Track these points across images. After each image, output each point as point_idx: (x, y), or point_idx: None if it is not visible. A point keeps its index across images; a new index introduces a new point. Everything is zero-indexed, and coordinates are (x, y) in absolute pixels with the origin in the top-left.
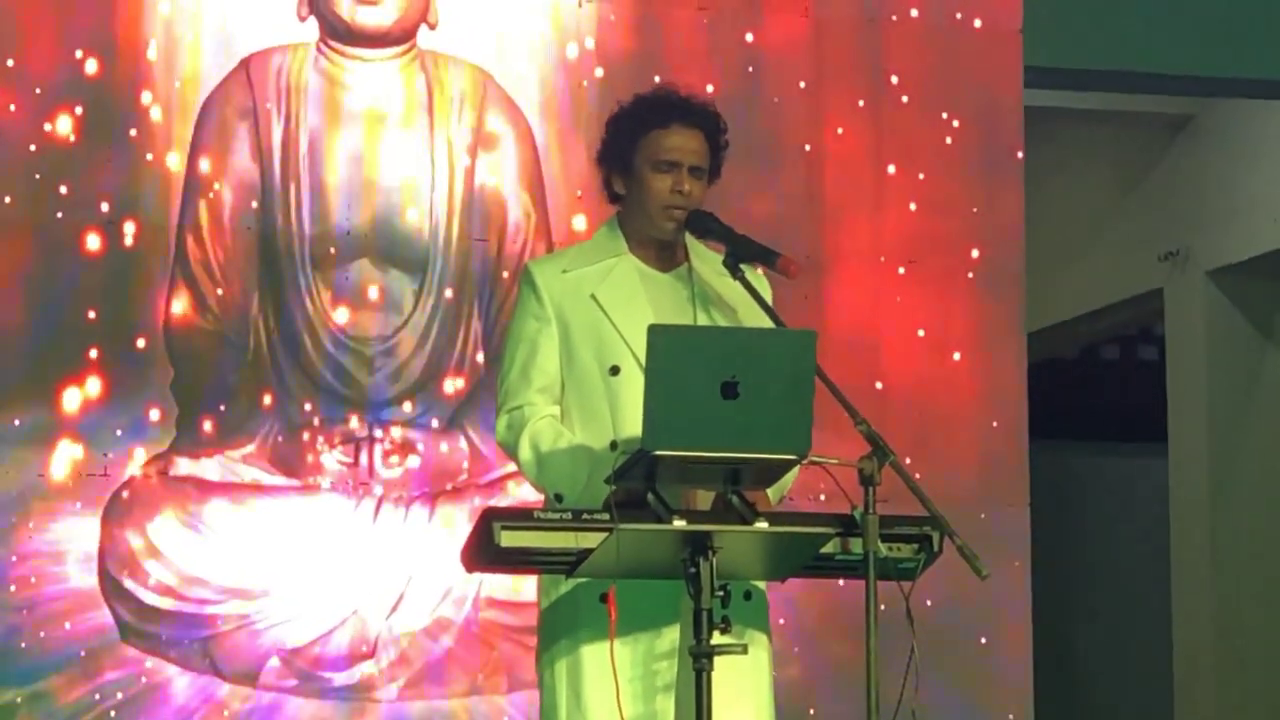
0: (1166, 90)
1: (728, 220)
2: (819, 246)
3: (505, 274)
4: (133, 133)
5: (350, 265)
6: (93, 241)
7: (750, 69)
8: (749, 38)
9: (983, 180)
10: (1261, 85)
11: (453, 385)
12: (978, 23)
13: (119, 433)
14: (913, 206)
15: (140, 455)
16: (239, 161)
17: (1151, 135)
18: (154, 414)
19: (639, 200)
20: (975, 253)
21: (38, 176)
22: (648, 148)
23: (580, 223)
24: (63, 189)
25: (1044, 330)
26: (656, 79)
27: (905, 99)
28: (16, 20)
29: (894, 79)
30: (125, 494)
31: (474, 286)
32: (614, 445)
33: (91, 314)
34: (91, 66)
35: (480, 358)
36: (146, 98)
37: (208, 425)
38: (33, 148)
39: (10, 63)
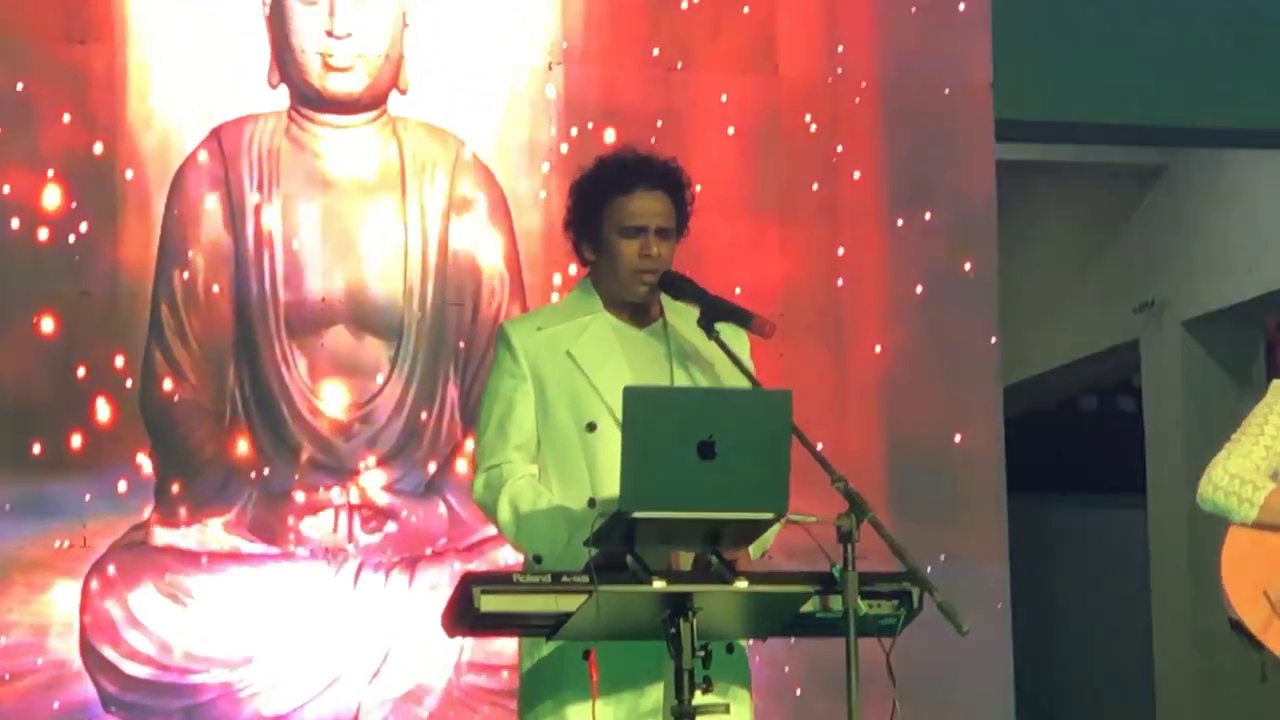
0: (1138, 141)
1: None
2: (785, 307)
3: (481, 338)
4: (106, 203)
5: (325, 332)
6: (69, 312)
7: (722, 129)
8: (722, 98)
9: (956, 235)
10: (1233, 135)
11: (430, 450)
12: (948, 81)
13: (98, 503)
14: (886, 263)
15: (120, 525)
16: (212, 231)
17: (1124, 186)
18: (133, 484)
19: (610, 266)
20: (950, 307)
21: (16, 239)
22: (613, 215)
23: (555, 286)
24: (36, 258)
25: (1021, 383)
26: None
27: (876, 157)
28: None
29: (865, 136)
30: (105, 565)
31: (449, 351)
32: (592, 502)
33: (69, 384)
34: (64, 138)
35: (457, 421)
36: (118, 168)
37: (186, 494)
38: (15, 222)
39: None
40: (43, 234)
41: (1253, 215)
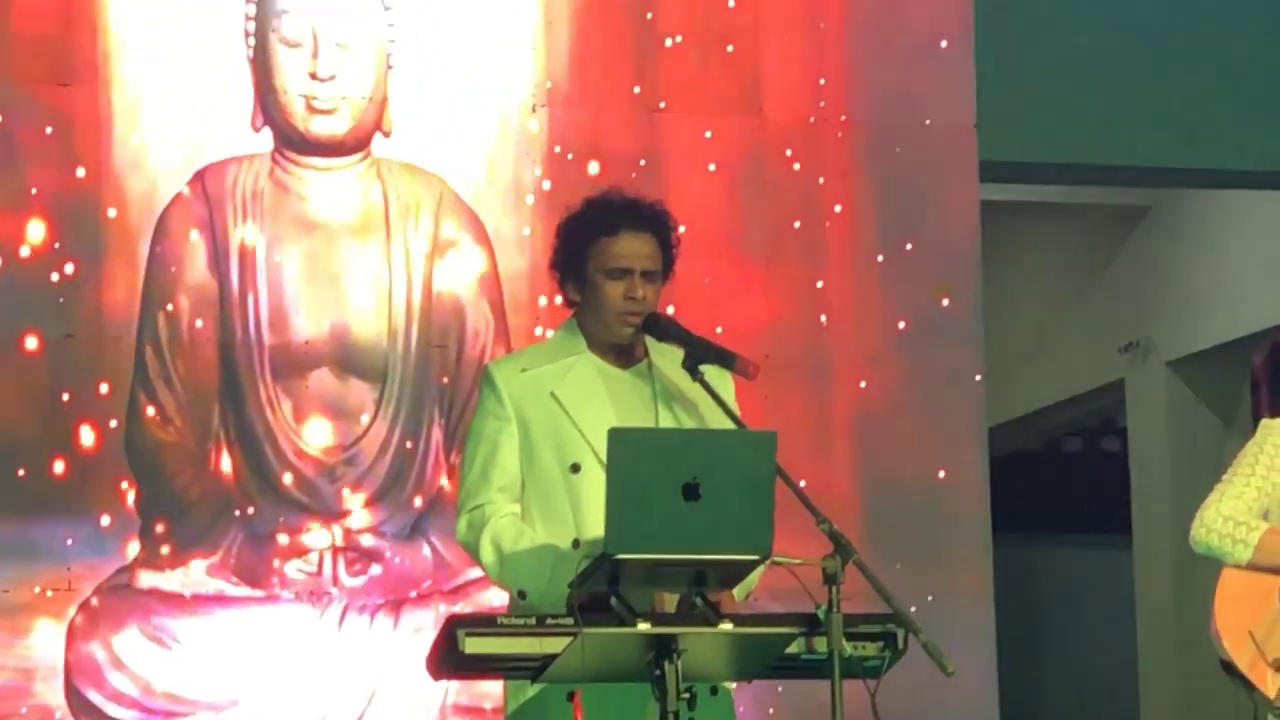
0: (1122, 182)
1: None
2: (769, 346)
3: (465, 380)
4: (90, 244)
5: (310, 374)
6: (52, 354)
7: (705, 168)
8: (707, 134)
9: (941, 277)
10: (1217, 175)
11: (414, 492)
12: (931, 119)
13: (82, 546)
14: (871, 300)
15: (104, 568)
16: (196, 273)
17: (1109, 227)
18: (117, 526)
19: (594, 307)
20: (935, 348)
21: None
22: (598, 255)
23: (539, 327)
24: (21, 301)
25: (1007, 424)
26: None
27: (859, 195)
28: None
29: (848, 175)
30: (90, 607)
31: (434, 393)
32: (576, 544)
33: (53, 427)
34: (48, 178)
35: (441, 464)
36: (102, 208)
37: (170, 536)
38: None
39: None
40: (26, 275)
41: (1237, 255)
